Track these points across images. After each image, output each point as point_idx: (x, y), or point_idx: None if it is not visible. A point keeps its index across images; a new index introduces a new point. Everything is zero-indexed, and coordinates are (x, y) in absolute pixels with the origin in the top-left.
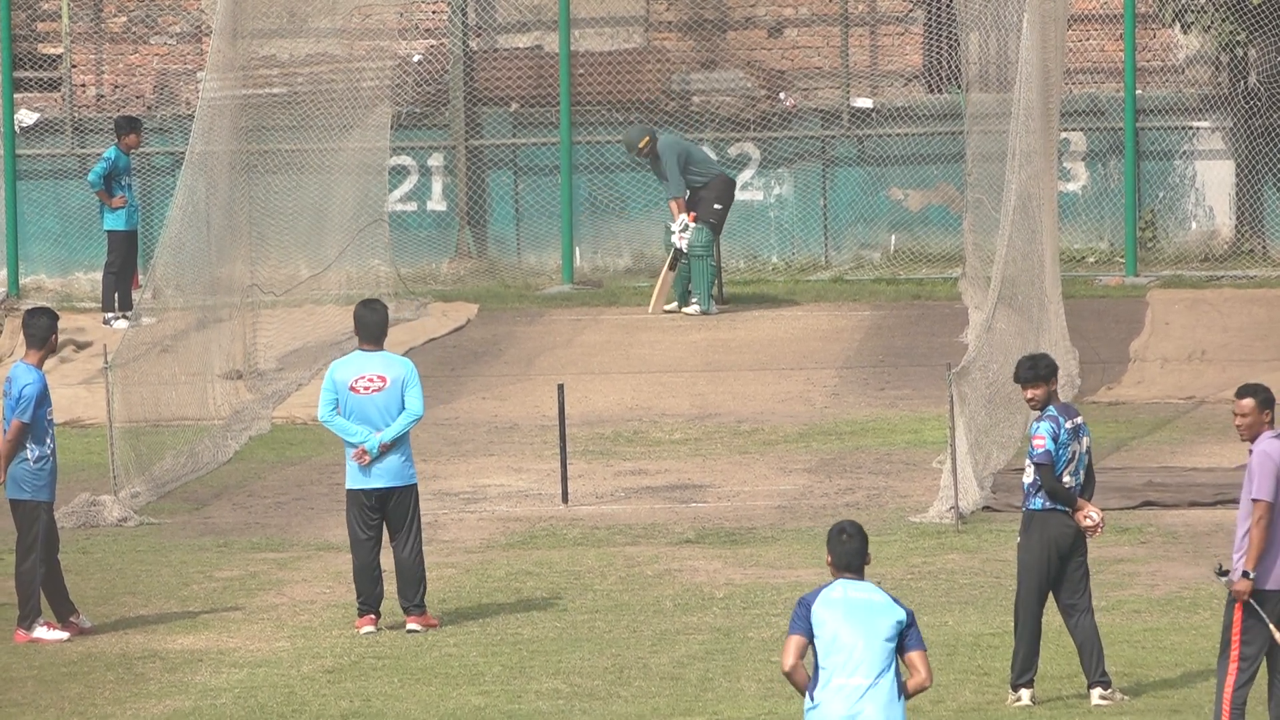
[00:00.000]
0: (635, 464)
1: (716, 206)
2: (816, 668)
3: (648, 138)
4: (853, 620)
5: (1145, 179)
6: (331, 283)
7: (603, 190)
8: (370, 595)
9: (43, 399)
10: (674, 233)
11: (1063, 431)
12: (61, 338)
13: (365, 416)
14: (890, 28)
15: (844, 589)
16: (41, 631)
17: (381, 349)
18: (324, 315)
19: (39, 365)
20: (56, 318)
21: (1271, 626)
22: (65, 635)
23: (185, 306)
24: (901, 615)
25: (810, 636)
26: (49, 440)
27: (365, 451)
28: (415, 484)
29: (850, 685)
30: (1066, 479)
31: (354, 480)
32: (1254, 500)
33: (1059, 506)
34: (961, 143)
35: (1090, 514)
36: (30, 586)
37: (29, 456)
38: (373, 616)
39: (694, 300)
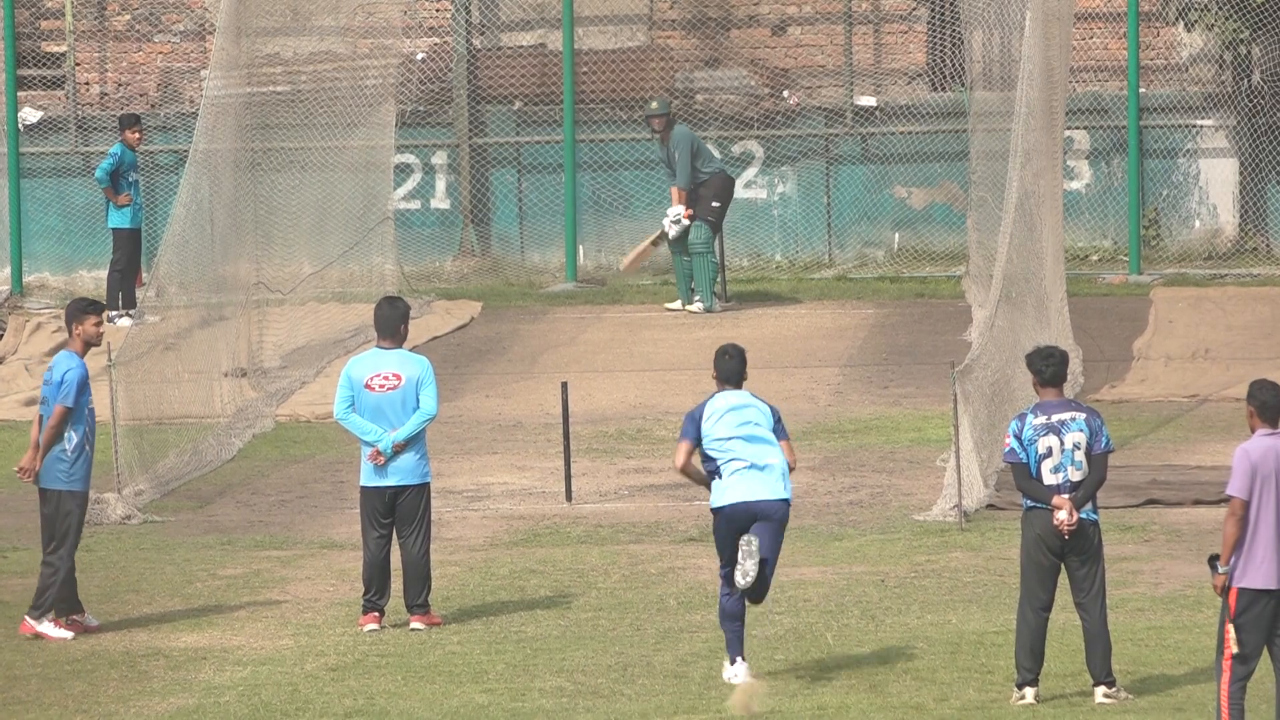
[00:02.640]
0: (639, 462)
1: (715, 204)
2: (715, 463)
3: (671, 114)
4: (735, 417)
5: (1149, 177)
6: (336, 281)
7: (606, 188)
8: (378, 592)
9: (83, 386)
10: (667, 216)
11: (1027, 428)
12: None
13: (380, 414)
14: (894, 26)
15: (724, 398)
16: (47, 627)
17: (400, 347)
18: (328, 313)
19: (81, 354)
20: (87, 307)
21: (1230, 637)
22: (70, 634)
23: (189, 304)
24: (768, 410)
25: (699, 442)
26: (87, 430)
27: (380, 453)
28: (429, 482)
29: (746, 467)
30: (1047, 476)
31: (367, 478)
32: (1228, 497)
33: (1041, 504)
34: (965, 141)
35: (1058, 514)
36: (52, 579)
37: (66, 445)
38: (376, 614)
39: (697, 298)
